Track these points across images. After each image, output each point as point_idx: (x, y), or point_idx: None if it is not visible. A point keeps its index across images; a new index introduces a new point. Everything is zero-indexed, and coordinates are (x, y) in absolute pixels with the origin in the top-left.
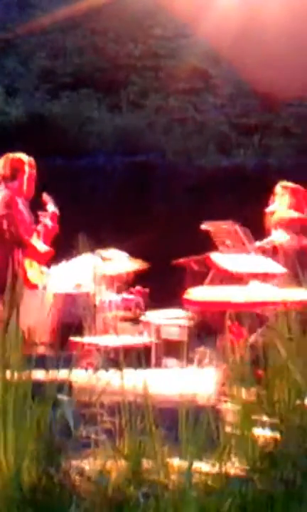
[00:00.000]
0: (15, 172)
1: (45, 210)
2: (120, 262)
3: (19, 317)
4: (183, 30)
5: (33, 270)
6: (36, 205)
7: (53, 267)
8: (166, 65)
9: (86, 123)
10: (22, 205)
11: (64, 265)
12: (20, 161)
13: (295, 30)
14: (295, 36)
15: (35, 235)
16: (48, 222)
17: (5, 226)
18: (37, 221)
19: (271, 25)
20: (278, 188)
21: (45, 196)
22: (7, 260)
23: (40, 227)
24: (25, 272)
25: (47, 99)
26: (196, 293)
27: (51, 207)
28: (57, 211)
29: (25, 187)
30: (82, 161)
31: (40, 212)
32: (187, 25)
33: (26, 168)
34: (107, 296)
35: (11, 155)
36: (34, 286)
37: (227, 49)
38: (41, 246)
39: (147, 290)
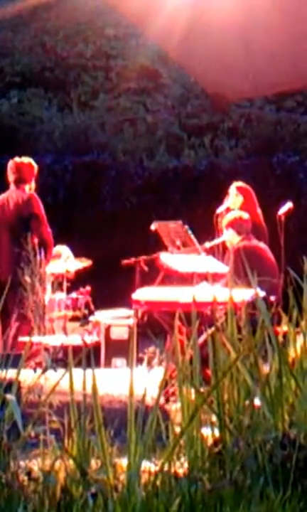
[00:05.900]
0: None
1: None
2: (68, 260)
3: None
4: (134, 30)
5: None
6: None
7: None
8: (117, 65)
9: (35, 123)
10: None
11: None
12: None
13: (245, 30)
14: (245, 36)
15: None
16: None
17: None
18: None
19: (221, 25)
20: (232, 189)
21: None
22: None
23: None
24: None
25: None
26: (145, 293)
27: None
28: None
29: None
30: None
31: None
32: (137, 25)
33: None
34: (56, 295)
35: None
36: None
37: (176, 49)
38: None
39: (89, 289)
